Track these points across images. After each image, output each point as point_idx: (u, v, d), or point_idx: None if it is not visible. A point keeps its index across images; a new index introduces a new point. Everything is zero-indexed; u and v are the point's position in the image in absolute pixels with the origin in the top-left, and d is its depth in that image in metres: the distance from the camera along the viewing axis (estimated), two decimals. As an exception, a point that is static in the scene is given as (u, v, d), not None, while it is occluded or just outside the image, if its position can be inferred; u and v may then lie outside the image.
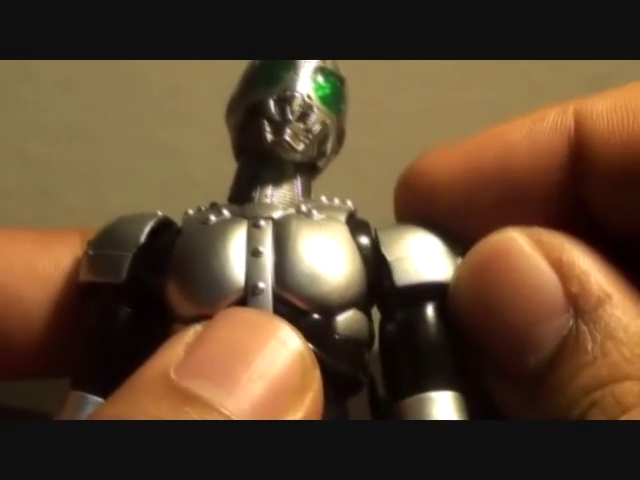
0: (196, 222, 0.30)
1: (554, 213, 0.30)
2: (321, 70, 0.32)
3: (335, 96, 0.32)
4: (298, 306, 0.29)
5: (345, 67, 0.33)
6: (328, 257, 0.29)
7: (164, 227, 0.31)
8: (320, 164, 0.32)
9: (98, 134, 0.62)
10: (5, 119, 0.62)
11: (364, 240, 0.30)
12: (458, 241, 0.31)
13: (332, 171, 0.33)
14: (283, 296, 0.29)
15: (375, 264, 0.30)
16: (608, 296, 0.28)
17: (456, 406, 0.29)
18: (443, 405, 0.29)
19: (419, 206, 0.31)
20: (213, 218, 0.30)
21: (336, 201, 0.31)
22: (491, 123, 0.32)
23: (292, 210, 0.30)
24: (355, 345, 0.29)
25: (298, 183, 0.32)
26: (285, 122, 0.31)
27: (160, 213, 0.31)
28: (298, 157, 0.31)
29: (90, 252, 0.31)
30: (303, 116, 0.31)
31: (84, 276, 0.32)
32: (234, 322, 0.28)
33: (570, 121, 0.30)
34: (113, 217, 0.32)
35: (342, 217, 0.30)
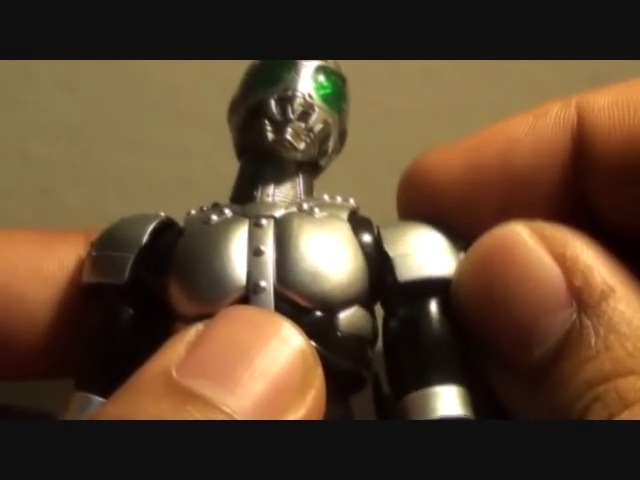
0: (198, 222, 0.30)
1: (557, 209, 0.30)
2: (322, 69, 0.32)
3: (336, 95, 0.32)
4: (300, 304, 0.29)
5: (346, 67, 0.33)
6: (330, 255, 0.29)
7: (166, 228, 0.31)
8: (322, 163, 0.32)
9: (98, 134, 0.62)
10: (5, 119, 0.62)
11: (366, 237, 0.30)
12: (460, 237, 0.31)
13: (334, 170, 0.33)
14: (285, 294, 0.29)
15: (378, 261, 0.30)
16: (612, 290, 0.28)
17: (461, 400, 0.29)
18: (448, 399, 0.29)
19: (422, 204, 0.31)
20: (215, 218, 0.30)
21: (338, 199, 0.31)
22: (491, 123, 0.32)
23: (294, 208, 0.30)
24: (358, 342, 0.30)
25: (300, 182, 0.32)
26: (286, 121, 0.31)
27: (162, 214, 0.32)
28: (299, 156, 0.31)
29: (93, 253, 0.32)
30: (304, 115, 0.31)
31: (87, 277, 0.32)
32: (235, 320, 0.28)
33: (573, 115, 0.30)
34: (113, 217, 0.32)
35: (344, 215, 0.30)
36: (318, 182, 0.33)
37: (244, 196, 0.31)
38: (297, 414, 0.26)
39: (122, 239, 0.31)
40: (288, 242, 0.29)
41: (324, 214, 0.30)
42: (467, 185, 0.31)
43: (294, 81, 0.31)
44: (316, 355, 0.28)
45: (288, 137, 0.31)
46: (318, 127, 0.31)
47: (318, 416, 0.27)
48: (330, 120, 0.31)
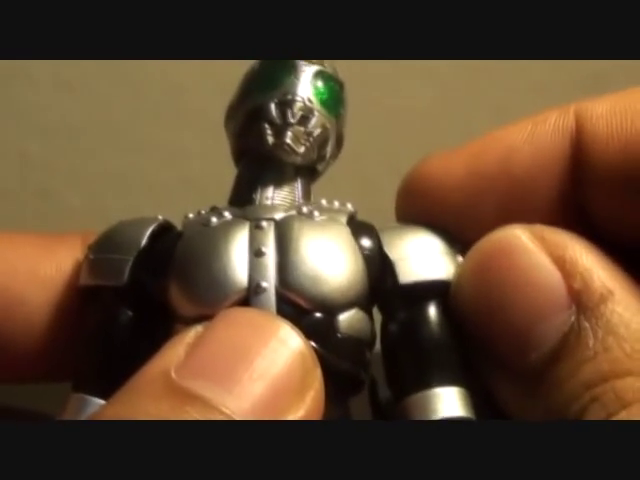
0: (197, 225, 0.30)
1: (556, 216, 0.30)
2: (321, 74, 0.32)
3: (335, 100, 0.32)
4: (301, 305, 0.29)
5: (345, 68, 0.33)
6: (330, 257, 0.29)
7: (164, 231, 0.31)
8: (320, 167, 0.32)
9: (98, 134, 0.62)
10: (5, 119, 0.62)
11: (366, 241, 0.30)
12: (457, 241, 0.31)
13: (332, 174, 0.33)
14: (286, 295, 0.29)
15: (378, 264, 0.30)
16: (610, 293, 0.28)
17: (462, 401, 0.29)
18: (448, 400, 0.29)
19: (421, 211, 0.31)
20: (214, 220, 0.30)
21: (336, 204, 0.31)
22: (492, 123, 0.32)
23: (293, 212, 0.30)
24: (357, 344, 0.30)
25: (298, 186, 0.32)
26: (286, 125, 0.31)
27: (160, 217, 0.32)
28: (299, 160, 0.31)
29: (91, 256, 0.32)
30: (304, 119, 0.31)
31: (85, 280, 0.32)
32: (235, 322, 0.28)
33: (571, 123, 0.30)
34: (113, 218, 0.32)
35: (343, 219, 0.30)
36: (317, 185, 0.33)
37: (243, 199, 0.31)
38: (296, 415, 0.26)
39: (121, 242, 0.31)
40: (289, 244, 0.29)
41: (323, 218, 0.30)
42: (466, 192, 0.31)
43: (293, 85, 0.31)
44: (315, 356, 0.28)
45: (288, 141, 0.31)
46: (317, 131, 0.31)
47: (317, 417, 0.27)
48: (328, 125, 0.32)
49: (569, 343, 0.28)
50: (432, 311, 0.30)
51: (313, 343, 0.28)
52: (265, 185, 0.31)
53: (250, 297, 0.29)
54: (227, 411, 0.26)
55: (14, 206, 0.62)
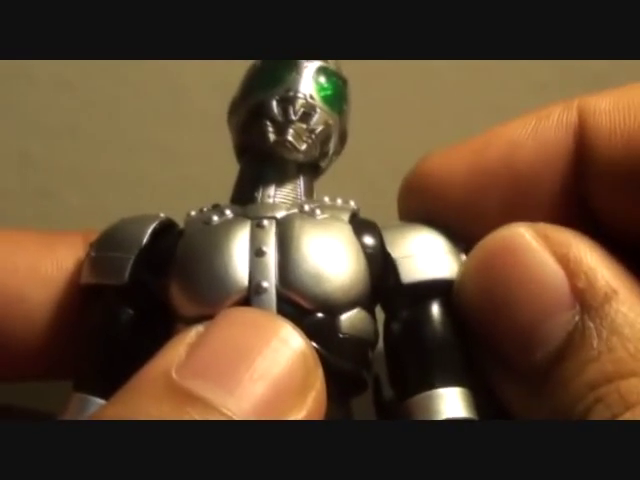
0: (199, 223, 0.30)
1: (559, 212, 0.30)
2: (323, 71, 0.32)
3: (337, 96, 0.32)
4: (302, 305, 0.29)
5: (347, 67, 0.33)
6: (332, 256, 0.29)
7: (166, 228, 0.31)
8: (322, 164, 0.32)
9: (98, 134, 0.62)
10: (5, 119, 0.62)
11: (369, 239, 0.30)
12: (459, 239, 0.31)
13: (335, 171, 0.33)
14: (287, 295, 0.29)
15: (380, 262, 0.30)
16: (615, 292, 0.28)
17: (465, 402, 0.29)
18: (451, 401, 0.29)
19: (424, 208, 0.31)
20: (216, 219, 0.30)
21: (338, 201, 0.31)
22: (493, 123, 0.32)
23: (295, 210, 0.30)
24: (359, 344, 0.29)
25: (301, 183, 0.32)
26: (288, 122, 0.31)
27: (162, 215, 0.31)
28: (301, 157, 0.31)
29: (92, 254, 0.31)
30: (306, 116, 0.31)
31: (86, 278, 0.32)
32: (235, 322, 0.27)
33: (575, 118, 0.30)
34: (113, 217, 0.32)
35: (345, 217, 0.30)
36: (319, 183, 0.33)
37: (245, 197, 0.31)
38: (297, 416, 0.26)
39: (122, 240, 0.31)
40: (290, 243, 0.29)
41: (325, 216, 0.30)
42: (469, 188, 0.31)
43: (295, 82, 0.31)
44: (316, 357, 0.28)
45: (290, 138, 0.31)
46: (319, 128, 0.31)
47: (318, 418, 0.27)
48: (331, 121, 0.31)
49: (574, 342, 0.28)
50: (435, 310, 0.30)
51: (314, 343, 0.28)
52: (267, 183, 0.31)
53: (251, 297, 0.29)
54: (228, 412, 0.26)
55: (14, 206, 0.62)
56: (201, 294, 0.29)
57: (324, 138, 0.31)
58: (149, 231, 0.31)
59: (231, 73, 0.33)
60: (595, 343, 0.27)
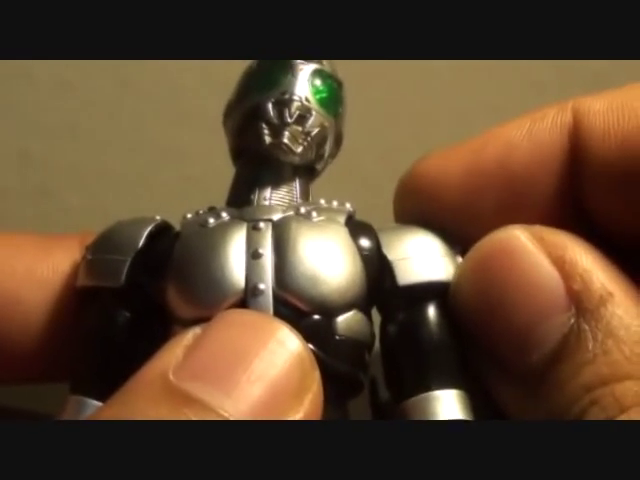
0: (195, 225, 0.30)
1: (554, 212, 0.30)
2: (319, 73, 0.32)
3: (333, 99, 0.32)
4: (298, 307, 0.29)
5: (343, 68, 0.33)
6: (328, 258, 0.29)
7: (162, 231, 0.31)
8: (318, 167, 0.32)
9: (98, 134, 0.62)
10: (5, 119, 0.62)
11: (365, 241, 0.30)
12: (455, 241, 0.31)
13: (331, 173, 0.33)
14: (283, 297, 0.29)
15: (376, 265, 0.30)
16: (610, 295, 0.28)
17: (461, 404, 0.29)
18: (448, 403, 0.29)
19: (420, 209, 0.31)
20: (212, 221, 0.30)
21: (335, 203, 0.31)
22: (491, 123, 0.32)
23: (291, 212, 0.30)
24: (356, 346, 0.29)
25: (296, 186, 0.32)
26: (283, 125, 0.31)
27: (158, 217, 0.31)
28: (296, 160, 0.31)
29: (88, 257, 0.31)
30: (301, 119, 0.31)
31: (82, 281, 0.32)
32: (232, 324, 0.27)
33: (570, 119, 0.30)
34: (113, 218, 0.32)
35: (341, 219, 0.30)
36: (315, 184, 0.33)
37: (241, 200, 0.31)
38: (294, 418, 0.26)
39: (118, 242, 0.31)
40: (286, 245, 0.29)
41: (321, 218, 0.30)
42: (465, 190, 0.31)
43: (291, 84, 0.31)
44: (313, 359, 0.28)
45: (285, 140, 0.31)
46: (315, 131, 0.31)
47: (315, 420, 0.27)
48: (327, 124, 0.31)
49: (569, 345, 0.28)
50: (431, 312, 0.30)
51: (311, 345, 0.28)
52: (263, 185, 0.31)
53: (247, 299, 0.29)
54: (225, 414, 0.26)
55: (14, 205, 0.62)
56: (198, 296, 0.29)
57: (320, 140, 0.31)
58: (145, 233, 0.31)
59: (231, 73, 0.33)
60: (590, 345, 0.27)
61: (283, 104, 0.31)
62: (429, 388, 0.29)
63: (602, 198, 0.30)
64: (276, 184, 0.31)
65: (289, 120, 0.31)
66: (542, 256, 0.28)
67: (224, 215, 0.30)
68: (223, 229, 0.30)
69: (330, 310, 0.29)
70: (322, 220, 0.30)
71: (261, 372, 0.26)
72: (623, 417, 0.26)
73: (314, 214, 0.30)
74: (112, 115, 0.62)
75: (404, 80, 0.61)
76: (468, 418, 0.29)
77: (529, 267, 0.28)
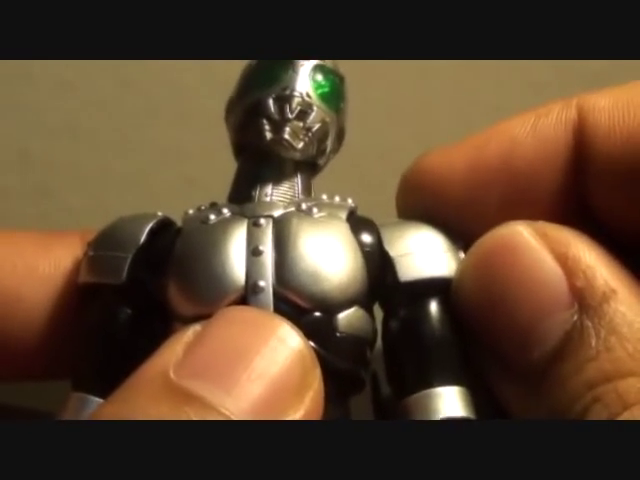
0: (196, 221, 0.30)
1: (558, 209, 0.30)
2: (320, 68, 0.32)
3: (334, 94, 0.32)
4: (299, 304, 0.29)
5: (345, 64, 0.33)
6: (329, 255, 0.29)
7: (164, 227, 0.31)
8: (320, 162, 0.32)
9: (98, 134, 0.62)
10: (5, 119, 0.62)
11: (366, 237, 0.30)
12: (457, 237, 0.31)
13: (334, 169, 0.33)
14: (284, 294, 0.29)
15: (378, 261, 0.30)
16: (613, 292, 0.28)
17: (463, 401, 0.29)
18: (450, 400, 0.29)
19: (422, 205, 0.31)
20: (213, 217, 0.30)
21: (336, 199, 0.31)
22: (491, 123, 0.32)
23: (292, 208, 0.30)
24: (357, 343, 0.29)
25: (298, 181, 0.32)
26: (284, 121, 0.31)
27: (160, 213, 0.31)
28: (297, 155, 0.31)
29: (90, 253, 0.31)
30: (302, 114, 0.31)
31: (84, 277, 0.32)
32: (233, 321, 0.27)
33: (574, 115, 0.30)
34: (113, 217, 0.32)
35: (343, 215, 0.30)
36: (317, 181, 0.33)
37: (242, 196, 0.31)
38: (295, 415, 0.26)
39: (119, 239, 0.31)
40: (287, 242, 0.29)
41: (323, 214, 0.30)
42: (469, 185, 0.31)
43: (292, 80, 0.31)
44: (314, 356, 0.28)
45: (286, 136, 0.31)
46: (316, 126, 0.31)
47: (316, 418, 0.27)
48: (328, 119, 0.31)
49: (572, 342, 0.28)
50: (433, 308, 0.30)
51: (312, 343, 0.28)
52: (264, 182, 0.31)
53: (248, 296, 0.28)
54: (226, 412, 0.25)
55: (14, 205, 0.62)
56: (198, 293, 0.29)
57: (321, 136, 0.31)
58: (146, 230, 0.31)
59: (231, 73, 0.33)
60: (593, 342, 0.27)
61: (284, 100, 0.31)
62: (431, 385, 0.29)
63: (606, 194, 0.30)
64: (277, 180, 0.31)
65: (290, 116, 0.31)
66: (545, 252, 0.28)
67: (225, 211, 0.30)
68: (224, 226, 0.30)
69: (331, 307, 0.29)
70: (323, 216, 0.30)
71: (262, 370, 0.26)
72: (626, 414, 0.26)
73: (315, 210, 0.30)
74: (112, 115, 0.62)
75: (407, 77, 0.61)
76: (470, 415, 0.29)
77: (532, 263, 0.28)
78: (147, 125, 0.62)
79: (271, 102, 0.31)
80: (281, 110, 0.31)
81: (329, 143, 0.32)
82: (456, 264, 0.30)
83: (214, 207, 0.31)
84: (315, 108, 0.31)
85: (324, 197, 0.31)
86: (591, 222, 0.30)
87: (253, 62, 0.32)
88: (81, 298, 0.32)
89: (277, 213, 0.30)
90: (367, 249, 0.30)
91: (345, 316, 0.29)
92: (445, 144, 0.32)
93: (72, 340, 0.31)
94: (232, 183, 0.32)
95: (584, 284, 0.28)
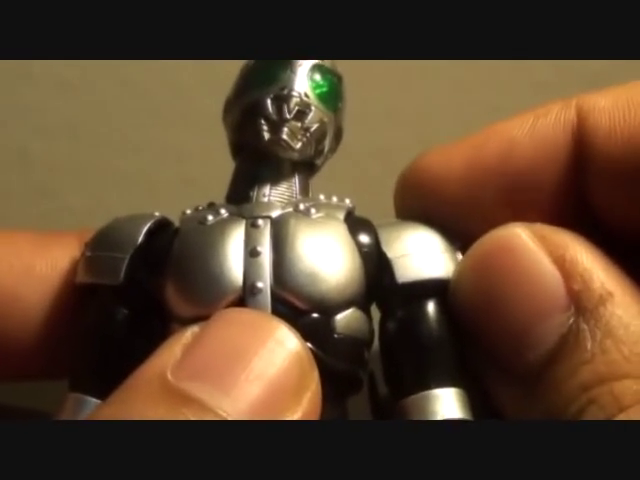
0: (194, 222, 0.30)
1: (557, 210, 0.30)
2: (318, 68, 0.32)
3: (332, 94, 0.32)
4: (297, 305, 0.29)
5: (343, 63, 0.33)
6: (327, 256, 0.29)
7: (161, 227, 0.31)
8: (318, 162, 0.32)
9: (98, 134, 0.62)
10: (5, 119, 0.62)
11: (364, 238, 0.30)
12: (454, 238, 0.31)
13: (331, 170, 0.33)
14: (282, 295, 0.28)
15: (375, 262, 0.30)
16: (610, 294, 0.28)
17: (460, 403, 0.29)
18: (447, 402, 0.29)
19: (420, 204, 0.31)
20: (211, 218, 0.30)
21: (334, 199, 0.31)
22: (491, 123, 0.32)
23: (290, 209, 0.30)
24: (354, 344, 0.29)
25: (296, 182, 0.32)
26: (282, 121, 0.31)
27: (157, 214, 0.31)
28: (295, 156, 0.31)
29: (87, 254, 0.31)
30: (300, 114, 0.31)
31: (81, 278, 0.32)
32: (231, 323, 0.27)
33: (573, 116, 0.30)
34: (113, 217, 0.32)
35: (340, 215, 0.30)
36: (314, 181, 0.33)
37: (240, 196, 0.31)
38: (293, 417, 0.26)
39: (117, 239, 0.31)
40: (284, 243, 0.29)
41: (320, 214, 0.30)
42: (467, 185, 0.31)
43: (290, 80, 0.31)
44: (312, 357, 0.28)
45: (284, 137, 0.31)
46: (314, 126, 0.31)
47: (314, 419, 0.27)
48: (326, 119, 0.31)
49: (567, 345, 0.28)
50: (431, 309, 0.30)
51: (310, 344, 0.28)
52: (262, 182, 0.31)
53: (246, 297, 0.28)
54: (223, 413, 0.25)
55: (14, 205, 0.62)
56: (196, 295, 0.29)
57: (319, 136, 0.31)
58: (144, 230, 0.31)
59: (230, 73, 0.32)
60: (589, 345, 0.27)
61: (282, 100, 0.31)
62: (428, 386, 0.29)
63: (607, 194, 0.30)
64: (275, 180, 0.31)
65: (288, 116, 0.31)
66: (543, 255, 0.28)
67: (223, 212, 0.30)
68: (221, 226, 0.30)
69: (329, 308, 0.29)
70: (321, 217, 0.30)
71: (260, 371, 0.26)
72: (622, 416, 0.26)
73: (313, 210, 0.30)
74: (112, 115, 0.62)
75: (405, 77, 0.61)
76: (467, 417, 0.29)
77: (530, 266, 0.28)
78: (147, 125, 0.62)
79: (269, 102, 0.31)
80: (279, 110, 0.31)
81: (327, 143, 0.32)
82: (453, 265, 0.30)
83: (212, 207, 0.31)
84: (313, 108, 0.31)
85: (322, 197, 0.31)
86: (589, 222, 0.30)
87: (251, 62, 0.32)
88: (78, 298, 0.32)
89: (275, 214, 0.30)
90: (365, 250, 0.30)
91: (343, 317, 0.29)
92: (445, 144, 0.32)
93: (69, 340, 0.31)
94: (230, 183, 0.32)
95: (581, 287, 0.28)
